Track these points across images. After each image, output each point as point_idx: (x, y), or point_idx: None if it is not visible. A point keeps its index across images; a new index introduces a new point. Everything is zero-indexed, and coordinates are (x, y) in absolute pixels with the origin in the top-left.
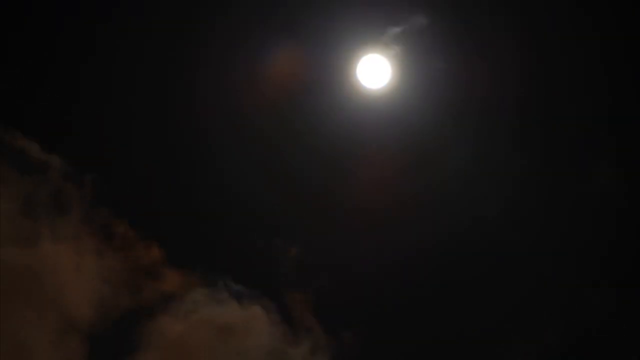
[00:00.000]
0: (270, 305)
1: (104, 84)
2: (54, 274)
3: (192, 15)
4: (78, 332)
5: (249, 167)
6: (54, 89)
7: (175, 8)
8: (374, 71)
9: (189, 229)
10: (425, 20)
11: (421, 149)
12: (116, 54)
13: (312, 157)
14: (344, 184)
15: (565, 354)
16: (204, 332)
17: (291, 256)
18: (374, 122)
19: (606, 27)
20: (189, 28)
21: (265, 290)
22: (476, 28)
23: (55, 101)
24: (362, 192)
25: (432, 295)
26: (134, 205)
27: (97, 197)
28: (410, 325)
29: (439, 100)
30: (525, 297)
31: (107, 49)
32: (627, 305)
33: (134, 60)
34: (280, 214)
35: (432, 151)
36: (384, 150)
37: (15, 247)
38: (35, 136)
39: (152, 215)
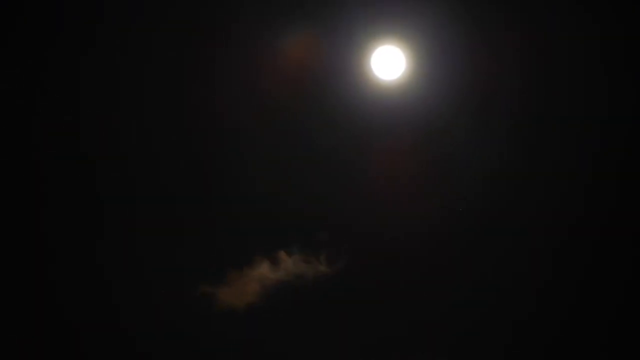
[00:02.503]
0: None
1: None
2: None
3: (206, 6)
4: None
5: (260, 161)
6: None
7: None
8: (389, 62)
9: None
10: (441, 11)
11: (435, 141)
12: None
13: (325, 149)
14: (356, 177)
15: None
16: None
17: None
18: (387, 114)
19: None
20: (204, 18)
21: None
22: (493, 19)
23: None
24: (374, 185)
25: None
26: None
27: None
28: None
29: (454, 93)
30: None
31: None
32: None
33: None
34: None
35: (446, 144)
36: (397, 142)
37: None
38: None
39: None
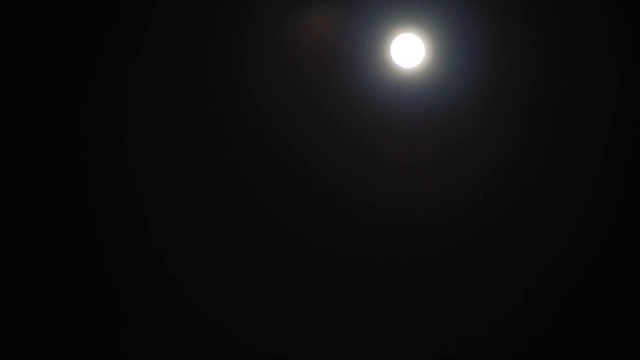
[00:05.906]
0: None
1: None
2: None
3: None
4: None
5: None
6: None
7: None
8: (408, 50)
9: None
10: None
11: (453, 133)
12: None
13: (340, 140)
14: (372, 168)
15: None
16: None
17: None
18: (406, 102)
19: None
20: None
21: None
22: (514, 9)
23: None
24: (392, 172)
25: None
26: None
27: None
28: None
29: (473, 82)
30: None
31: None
32: None
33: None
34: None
35: (465, 136)
36: (416, 130)
37: None
38: None
39: None
